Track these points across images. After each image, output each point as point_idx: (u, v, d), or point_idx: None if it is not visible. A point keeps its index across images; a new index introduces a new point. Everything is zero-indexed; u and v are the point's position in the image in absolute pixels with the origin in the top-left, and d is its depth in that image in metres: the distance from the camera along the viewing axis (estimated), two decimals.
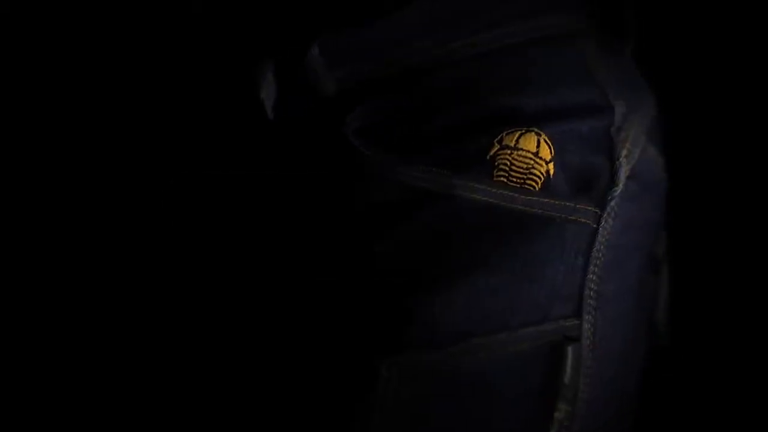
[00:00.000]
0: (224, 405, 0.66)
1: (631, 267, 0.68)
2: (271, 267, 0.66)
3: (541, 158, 0.64)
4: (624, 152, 0.67)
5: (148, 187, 0.72)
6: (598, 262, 0.65)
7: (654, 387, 0.74)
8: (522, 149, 0.64)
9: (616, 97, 0.67)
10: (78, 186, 0.73)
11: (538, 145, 0.64)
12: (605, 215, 0.65)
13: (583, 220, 0.65)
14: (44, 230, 0.73)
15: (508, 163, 0.64)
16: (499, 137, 0.64)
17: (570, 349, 0.63)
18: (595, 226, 0.65)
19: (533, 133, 0.64)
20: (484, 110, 0.65)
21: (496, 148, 0.64)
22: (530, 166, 0.64)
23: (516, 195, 0.64)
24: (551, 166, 0.64)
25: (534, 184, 0.64)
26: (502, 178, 0.64)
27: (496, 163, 0.64)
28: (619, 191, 0.66)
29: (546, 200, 0.64)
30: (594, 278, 0.65)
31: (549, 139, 0.64)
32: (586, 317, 0.64)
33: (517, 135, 0.64)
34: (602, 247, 0.65)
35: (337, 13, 0.67)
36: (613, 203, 0.66)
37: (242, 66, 0.68)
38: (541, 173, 0.64)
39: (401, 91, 0.66)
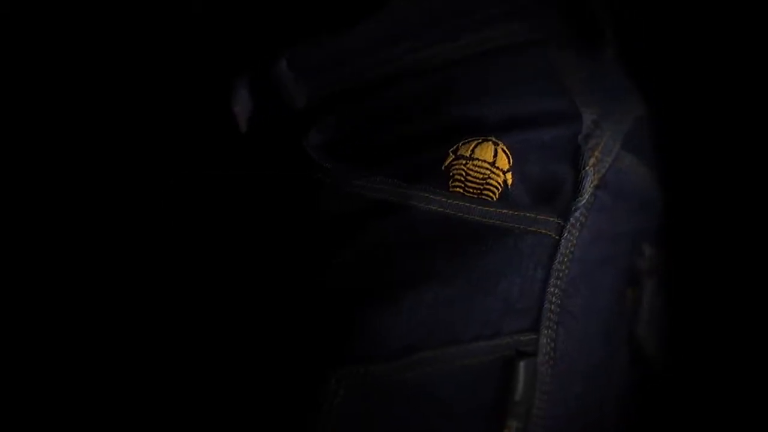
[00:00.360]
0: (178, 410, 0.67)
1: (602, 281, 0.65)
2: (232, 272, 0.67)
3: (497, 168, 0.63)
4: (591, 161, 0.64)
5: (148, 187, 0.73)
6: (561, 274, 0.63)
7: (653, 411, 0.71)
8: (478, 159, 0.62)
9: (585, 103, 0.65)
10: (78, 186, 0.74)
11: (495, 155, 0.63)
12: (569, 226, 0.63)
13: (543, 231, 0.63)
14: (44, 230, 0.74)
15: (464, 173, 0.62)
16: (454, 147, 0.63)
17: (522, 365, 0.61)
18: (557, 237, 0.63)
19: (490, 143, 0.63)
20: (444, 120, 0.64)
21: (451, 158, 0.63)
22: (486, 176, 0.62)
23: (472, 206, 0.62)
24: (509, 175, 0.63)
25: (491, 194, 0.63)
26: (458, 189, 0.62)
27: (452, 173, 0.62)
28: (584, 201, 0.64)
29: (504, 211, 0.62)
30: (556, 291, 0.63)
31: (508, 149, 0.63)
32: (545, 332, 0.62)
33: (473, 144, 0.63)
34: (566, 259, 0.63)
35: (306, 24, 0.67)
36: (577, 214, 0.64)
37: (220, 76, 0.68)
38: (498, 183, 0.63)
39: (365, 103, 0.65)
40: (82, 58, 0.74)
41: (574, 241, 0.64)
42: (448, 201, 0.62)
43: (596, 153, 0.65)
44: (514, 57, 0.65)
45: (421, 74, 0.65)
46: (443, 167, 0.62)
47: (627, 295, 0.67)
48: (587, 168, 0.64)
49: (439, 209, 0.62)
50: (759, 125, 0.73)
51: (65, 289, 0.75)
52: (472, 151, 0.63)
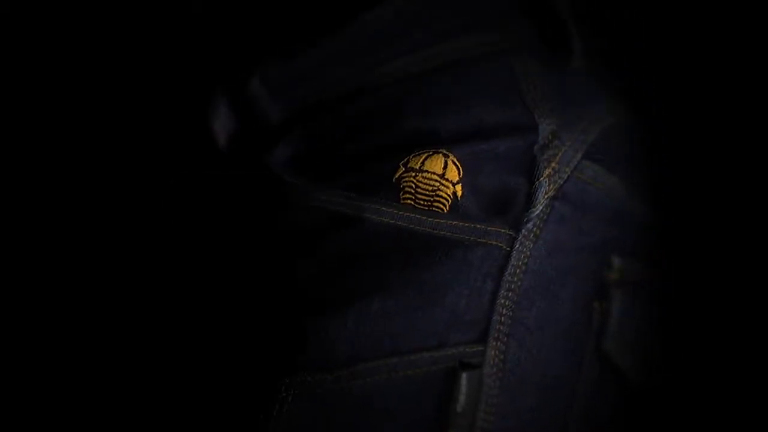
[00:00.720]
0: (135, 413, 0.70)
1: (562, 293, 0.65)
2: (203, 279, 0.69)
3: (447, 180, 0.63)
4: (547, 171, 0.64)
5: (149, 187, 0.75)
6: (512, 286, 0.63)
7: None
8: (427, 171, 0.63)
9: (544, 114, 0.64)
10: (78, 186, 0.75)
11: (445, 167, 0.63)
12: (521, 238, 0.63)
13: (494, 242, 0.63)
14: (44, 230, 0.76)
15: (414, 185, 0.63)
16: (405, 160, 0.63)
17: (465, 376, 0.61)
18: (508, 249, 0.63)
19: (441, 155, 0.63)
20: (400, 133, 0.64)
21: (401, 171, 0.63)
22: (435, 188, 0.63)
23: (423, 217, 0.63)
24: (458, 187, 0.63)
25: (441, 206, 0.63)
26: (408, 201, 0.63)
27: (402, 186, 0.63)
28: (537, 212, 0.63)
29: (454, 223, 0.63)
30: (507, 303, 0.63)
31: (459, 161, 0.63)
32: (493, 343, 0.62)
33: (423, 157, 0.63)
34: (518, 271, 0.63)
35: (278, 41, 0.69)
36: (530, 225, 0.63)
37: (201, 92, 0.71)
38: (448, 195, 0.63)
39: (329, 117, 0.67)
40: (81, 59, 0.75)
41: (528, 253, 0.63)
42: (399, 213, 0.63)
43: (553, 164, 0.64)
44: (474, 69, 0.66)
45: (382, 88, 0.66)
46: (394, 180, 0.63)
47: (594, 308, 0.66)
48: (541, 179, 0.64)
49: (391, 221, 0.63)
50: (737, 134, 0.70)
51: (64, 288, 0.77)
52: (422, 163, 0.63)
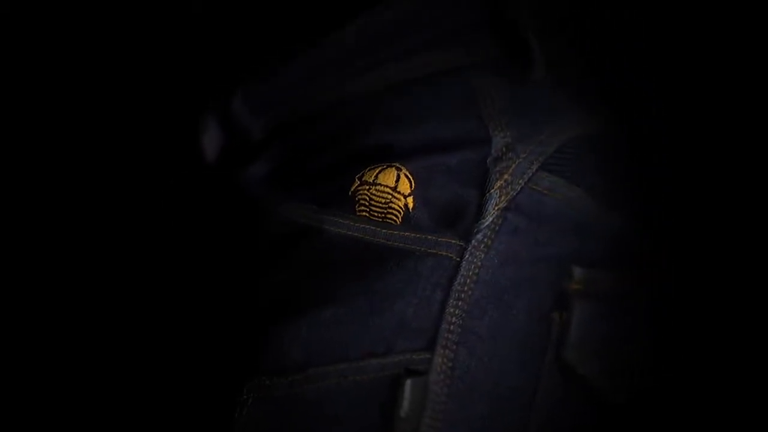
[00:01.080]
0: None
1: (516, 303, 0.65)
2: (182, 289, 0.74)
3: (399, 192, 0.65)
4: (498, 183, 0.65)
5: (149, 186, 0.79)
6: (462, 296, 0.64)
7: None
8: (380, 184, 0.65)
9: (499, 127, 0.66)
10: (78, 186, 0.78)
11: (397, 180, 0.65)
12: (471, 248, 0.64)
13: (444, 253, 0.64)
14: (44, 229, 0.79)
15: (368, 198, 0.66)
16: (360, 173, 0.66)
17: (409, 382, 0.62)
18: (458, 259, 0.64)
19: (394, 168, 0.65)
20: (360, 147, 0.67)
21: (356, 184, 0.66)
22: (388, 200, 0.65)
23: (377, 229, 0.65)
24: (410, 199, 0.65)
25: (394, 218, 0.65)
26: (364, 213, 0.66)
27: (357, 198, 0.66)
28: (486, 223, 0.65)
29: (406, 234, 0.65)
30: (457, 312, 0.64)
31: (411, 174, 0.65)
32: (441, 351, 0.64)
33: (377, 171, 0.66)
34: (468, 281, 0.64)
35: (258, 60, 0.73)
36: (480, 236, 0.64)
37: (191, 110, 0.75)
38: (400, 207, 0.65)
39: (301, 133, 0.71)
40: (82, 58, 0.78)
41: (479, 263, 0.65)
42: (355, 225, 0.65)
43: (505, 176, 0.65)
44: (434, 85, 0.68)
45: (348, 105, 0.69)
46: (350, 192, 0.66)
47: (553, 318, 0.67)
48: (492, 191, 0.65)
49: (347, 232, 0.66)
50: (706, 145, 0.69)
51: (64, 287, 0.79)
52: (376, 176, 0.66)
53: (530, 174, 0.66)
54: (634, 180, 0.71)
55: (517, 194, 0.65)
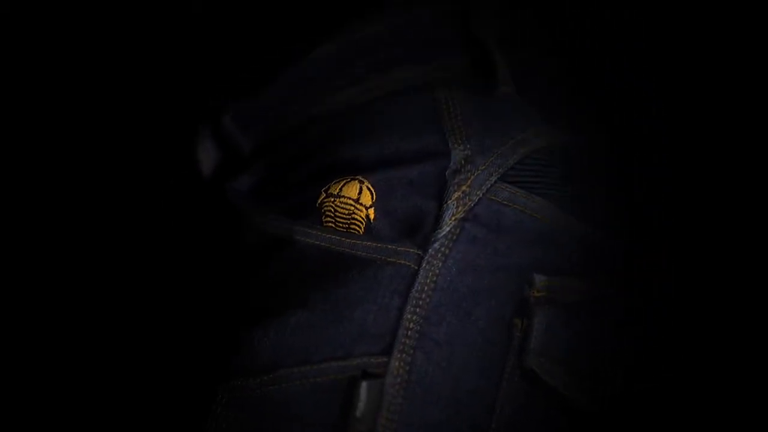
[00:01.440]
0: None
1: (476, 310, 0.68)
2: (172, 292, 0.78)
3: (361, 204, 0.68)
4: (456, 195, 0.68)
5: (148, 187, 0.82)
6: (420, 302, 0.67)
7: None
8: (344, 196, 0.69)
9: (459, 141, 0.69)
10: (78, 186, 0.81)
11: (360, 192, 0.69)
12: (428, 257, 0.67)
13: (403, 262, 0.67)
14: (44, 229, 0.81)
15: (333, 209, 0.69)
16: (327, 186, 0.70)
17: (365, 384, 0.65)
18: (416, 267, 0.67)
19: (356, 181, 0.69)
20: (329, 161, 0.71)
21: (323, 197, 0.69)
22: (351, 211, 0.68)
23: (342, 239, 0.68)
24: (371, 211, 0.68)
25: (357, 228, 0.68)
26: (330, 224, 0.69)
27: (323, 210, 0.69)
28: (444, 233, 0.67)
29: (368, 243, 0.68)
30: (414, 318, 0.67)
31: (373, 186, 0.68)
32: (398, 356, 0.66)
33: (341, 184, 0.69)
34: (426, 288, 0.67)
35: (245, 79, 0.77)
36: (437, 245, 0.67)
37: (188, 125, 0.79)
38: (362, 218, 0.68)
39: (282, 149, 0.75)
40: (82, 58, 0.80)
41: (436, 271, 0.67)
42: (322, 235, 0.69)
43: (463, 187, 0.68)
44: (399, 100, 0.71)
45: (323, 121, 0.73)
46: (317, 204, 0.70)
47: (514, 325, 0.69)
48: (449, 201, 0.68)
49: (316, 242, 0.69)
50: (673, 157, 0.71)
51: (64, 286, 0.81)
52: (340, 189, 0.69)
53: (489, 185, 0.68)
54: (599, 190, 0.72)
55: (475, 205, 0.68)
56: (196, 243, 0.79)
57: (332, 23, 0.74)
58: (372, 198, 0.68)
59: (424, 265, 0.67)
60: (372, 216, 0.68)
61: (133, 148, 0.84)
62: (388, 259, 0.67)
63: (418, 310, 0.67)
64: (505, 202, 0.69)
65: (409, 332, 0.67)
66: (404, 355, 0.67)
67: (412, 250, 0.67)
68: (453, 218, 0.67)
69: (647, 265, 0.72)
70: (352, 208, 0.69)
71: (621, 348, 0.71)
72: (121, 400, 0.78)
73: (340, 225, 0.69)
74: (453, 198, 0.68)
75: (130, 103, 0.84)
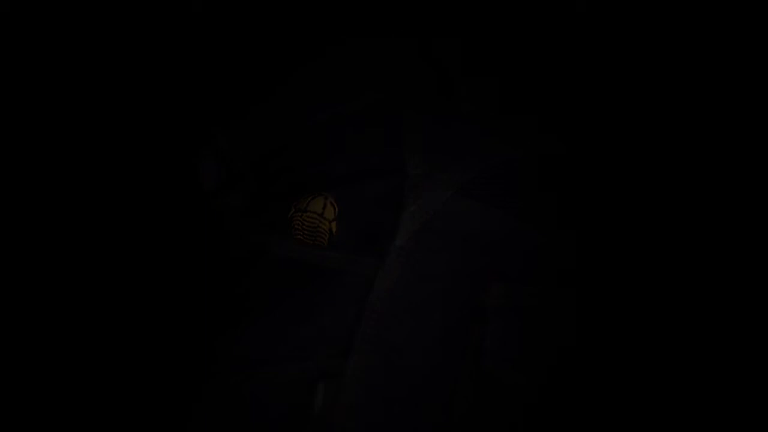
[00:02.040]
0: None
1: (432, 316, 0.72)
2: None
3: (325, 218, 0.74)
4: (412, 208, 0.73)
5: (148, 184, 0.86)
6: (377, 308, 0.72)
7: None
8: (310, 211, 0.74)
9: (417, 157, 0.74)
10: (78, 186, 0.83)
11: (324, 207, 0.74)
12: (385, 266, 0.72)
13: (362, 271, 0.72)
14: (43, 229, 0.84)
15: (300, 223, 0.75)
16: (296, 201, 0.75)
17: (322, 385, 0.71)
18: (374, 276, 0.72)
19: (322, 197, 0.75)
20: (302, 177, 0.77)
21: (292, 211, 0.75)
22: (316, 225, 0.74)
23: (310, 251, 0.74)
24: (334, 224, 0.74)
25: (323, 240, 0.74)
26: (299, 236, 0.75)
27: (293, 223, 0.75)
28: (399, 244, 0.72)
29: (331, 254, 0.74)
30: (371, 323, 0.72)
31: (335, 201, 0.74)
32: (356, 357, 0.71)
33: (309, 199, 0.75)
34: (383, 295, 0.72)
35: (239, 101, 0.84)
36: (393, 255, 0.72)
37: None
38: (326, 231, 0.74)
39: (267, 166, 0.81)
40: (81, 59, 0.82)
41: (394, 279, 0.72)
42: (293, 246, 0.75)
43: (419, 200, 0.73)
44: (368, 121, 0.77)
45: (302, 139, 0.79)
46: (288, 217, 0.75)
47: (471, 329, 0.73)
48: (406, 213, 0.73)
49: (288, 253, 0.75)
50: (632, 170, 0.74)
51: (63, 286, 0.84)
52: (307, 204, 0.75)
53: (445, 199, 0.73)
54: (552, 199, 0.76)
55: (432, 218, 0.73)
56: (194, 253, 0.86)
57: (313, 45, 0.80)
58: (335, 212, 0.74)
59: (381, 274, 0.72)
60: (334, 229, 0.74)
61: (133, 152, 0.88)
62: (349, 269, 0.73)
63: (375, 315, 0.72)
64: (461, 214, 0.73)
65: (366, 336, 0.72)
66: (361, 357, 0.72)
67: (371, 260, 0.73)
68: (410, 230, 0.72)
69: (598, 270, 0.75)
70: (317, 221, 0.74)
71: (569, 351, 0.75)
72: (106, 399, 0.84)
73: (307, 237, 0.75)
74: (409, 211, 0.73)
75: (130, 104, 0.86)
